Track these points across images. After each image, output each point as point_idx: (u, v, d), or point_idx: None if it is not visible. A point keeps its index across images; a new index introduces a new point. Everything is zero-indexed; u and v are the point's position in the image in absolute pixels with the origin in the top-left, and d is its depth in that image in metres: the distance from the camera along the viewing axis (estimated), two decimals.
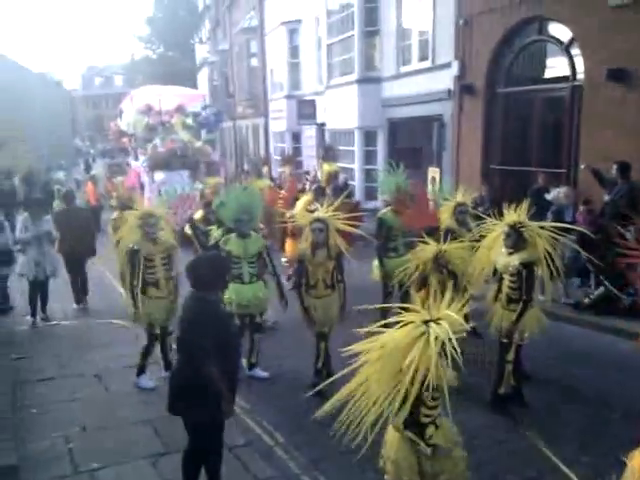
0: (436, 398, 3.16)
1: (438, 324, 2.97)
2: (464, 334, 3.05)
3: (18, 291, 9.11)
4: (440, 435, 3.24)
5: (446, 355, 2.93)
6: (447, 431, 3.29)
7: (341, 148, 16.08)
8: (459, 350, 2.89)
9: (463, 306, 3.15)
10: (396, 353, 2.99)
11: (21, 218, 8.47)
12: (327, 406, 3.17)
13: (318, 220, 5.76)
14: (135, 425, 5.26)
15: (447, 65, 12.04)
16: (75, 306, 9.17)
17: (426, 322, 3.01)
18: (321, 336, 5.94)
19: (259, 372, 6.31)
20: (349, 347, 3.09)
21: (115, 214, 8.95)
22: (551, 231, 5.32)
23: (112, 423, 5.30)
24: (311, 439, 5.10)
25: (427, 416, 3.19)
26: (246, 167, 13.72)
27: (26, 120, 27.57)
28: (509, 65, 10.94)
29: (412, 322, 3.04)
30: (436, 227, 6.88)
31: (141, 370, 6.13)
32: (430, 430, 3.21)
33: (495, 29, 10.80)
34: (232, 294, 5.95)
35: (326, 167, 9.78)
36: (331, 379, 3.48)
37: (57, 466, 4.61)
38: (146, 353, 6.15)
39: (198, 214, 8.06)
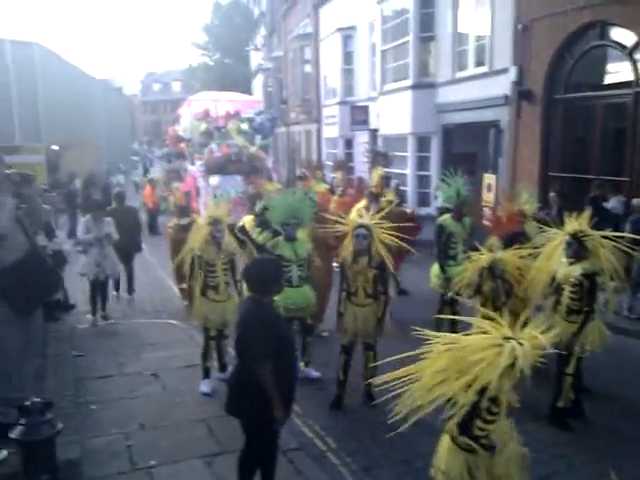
0: (494, 413, 3.06)
1: (520, 344, 2.84)
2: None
3: (79, 290, 9.45)
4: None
5: (514, 374, 2.83)
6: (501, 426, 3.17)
7: (394, 154, 16.03)
8: (529, 373, 2.79)
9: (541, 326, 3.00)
10: (464, 354, 2.92)
11: (83, 220, 8.75)
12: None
13: (362, 226, 5.62)
14: (191, 424, 5.36)
15: (504, 70, 11.83)
16: (114, 293, 9.66)
17: (506, 339, 2.90)
18: (348, 347, 5.80)
19: (312, 372, 6.33)
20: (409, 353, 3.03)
21: (173, 221, 9.19)
22: (615, 241, 5.16)
23: (168, 422, 5.42)
24: (363, 447, 5.09)
25: (481, 430, 3.09)
26: (302, 171, 13.59)
27: (89, 125, 28.62)
28: (569, 71, 10.65)
29: (491, 335, 2.96)
30: (520, 232, 6.75)
31: (205, 374, 6.20)
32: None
33: (555, 34, 10.54)
34: (281, 297, 5.88)
35: (376, 172, 9.57)
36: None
37: (116, 462, 4.74)
38: (205, 355, 6.23)
39: (248, 218, 8.20)
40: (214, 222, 6.11)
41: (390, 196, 9.23)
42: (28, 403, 3.01)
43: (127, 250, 9.59)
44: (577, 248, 5.14)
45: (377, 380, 3.07)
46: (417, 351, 3.05)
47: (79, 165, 21.95)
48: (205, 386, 6.10)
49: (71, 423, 5.17)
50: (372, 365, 5.55)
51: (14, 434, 2.97)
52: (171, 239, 8.92)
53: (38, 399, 3.07)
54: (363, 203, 8.94)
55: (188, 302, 6.22)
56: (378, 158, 9.58)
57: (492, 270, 5.55)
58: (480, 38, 12.91)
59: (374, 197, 8.82)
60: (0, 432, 3.87)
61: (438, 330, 6.75)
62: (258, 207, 8.37)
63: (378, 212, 8.28)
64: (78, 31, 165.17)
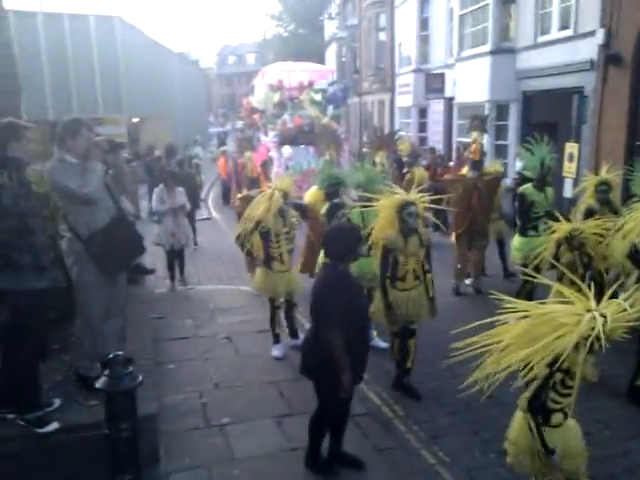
0: (568, 386, 2.99)
1: (602, 316, 2.75)
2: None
3: (157, 257, 9.83)
4: (564, 437, 3.08)
5: (592, 349, 2.75)
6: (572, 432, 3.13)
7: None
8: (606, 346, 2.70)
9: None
10: (542, 322, 2.86)
11: (157, 190, 8.89)
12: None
13: (411, 204, 5.19)
14: (262, 386, 5.53)
15: (591, 34, 11.14)
16: None
17: (589, 311, 2.80)
18: (407, 332, 5.42)
19: (379, 342, 6.35)
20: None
21: (243, 192, 9.33)
22: None
23: (241, 382, 5.62)
24: (431, 416, 5.09)
25: (556, 402, 3.04)
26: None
27: (167, 98, 29.38)
28: None
29: (573, 305, 2.87)
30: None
31: (276, 339, 6.36)
32: (557, 418, 3.07)
33: None
34: (356, 266, 5.81)
35: (474, 137, 8.91)
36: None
37: (191, 418, 4.97)
38: (272, 322, 6.39)
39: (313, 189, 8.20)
40: (283, 195, 6.20)
41: (497, 167, 8.87)
42: (111, 356, 3.19)
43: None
44: None
45: (455, 345, 3.02)
46: (493, 318, 3.01)
47: (157, 137, 22.65)
48: (277, 350, 6.27)
49: (149, 380, 5.42)
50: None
51: (98, 384, 3.17)
52: (239, 211, 8.98)
53: (120, 353, 3.25)
54: (464, 171, 8.69)
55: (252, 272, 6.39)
56: (476, 123, 8.90)
57: (570, 241, 5.32)
58: (565, 0, 12.20)
59: (474, 165, 8.34)
60: (86, 385, 4.17)
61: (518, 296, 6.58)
62: (321, 178, 8.39)
63: (479, 179, 8.16)
64: (157, 5, 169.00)
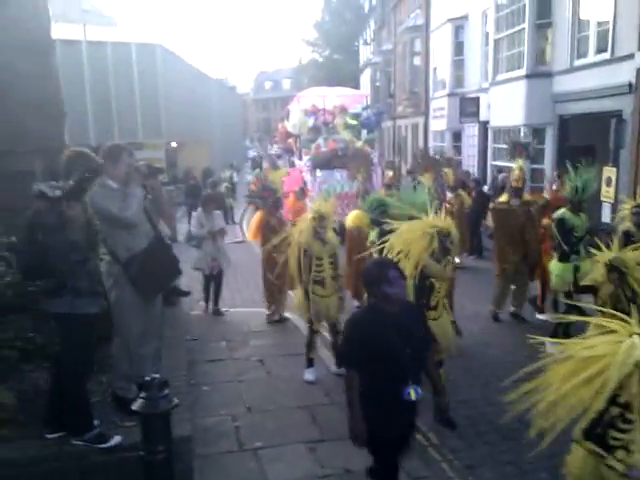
0: (629, 421, 2.68)
1: None
2: None
3: (193, 279, 9.96)
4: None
5: None
6: None
7: (504, 147, 15.45)
8: None
9: None
10: (588, 360, 2.67)
11: (195, 214, 8.83)
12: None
13: (450, 230, 5.09)
14: (294, 410, 5.52)
15: (629, 57, 11.00)
16: None
17: (631, 336, 2.63)
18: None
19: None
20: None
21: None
22: None
23: (273, 406, 5.61)
24: (466, 444, 5.00)
25: (616, 439, 2.72)
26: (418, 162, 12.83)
27: (204, 122, 30.00)
28: None
29: (615, 332, 2.70)
30: None
31: (309, 363, 6.29)
32: (619, 454, 2.71)
33: None
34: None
35: (517, 164, 8.76)
36: None
37: (225, 441, 4.97)
38: (309, 346, 6.31)
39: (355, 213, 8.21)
40: (319, 218, 6.12)
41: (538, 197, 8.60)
42: (148, 379, 3.24)
43: None
44: None
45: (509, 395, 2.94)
46: (538, 364, 2.86)
47: (195, 161, 23.11)
48: (309, 374, 6.23)
49: (184, 402, 5.48)
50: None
51: (135, 406, 3.21)
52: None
53: (156, 375, 3.29)
54: (503, 197, 8.54)
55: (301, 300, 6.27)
56: (518, 149, 8.80)
57: (610, 272, 5.09)
58: (602, 23, 12.09)
59: (516, 192, 8.20)
60: (123, 406, 4.23)
61: (556, 333, 6.42)
62: (368, 203, 8.40)
63: (522, 206, 8.03)
64: (198, 33, 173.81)
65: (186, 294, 9.22)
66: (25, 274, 4.10)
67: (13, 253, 5.01)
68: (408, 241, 5.07)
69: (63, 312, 3.84)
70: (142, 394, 3.20)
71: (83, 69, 20.03)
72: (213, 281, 8.82)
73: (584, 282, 5.41)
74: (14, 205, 5.40)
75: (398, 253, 5.02)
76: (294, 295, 6.71)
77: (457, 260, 8.89)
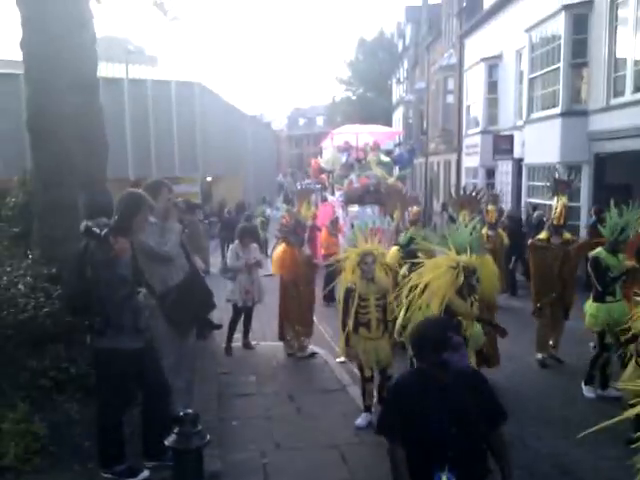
0: None
1: None
2: None
3: (225, 312, 10.01)
4: None
5: None
6: None
7: (539, 184, 15.33)
8: None
9: None
10: None
11: (232, 247, 8.86)
12: None
13: (475, 268, 4.97)
14: (323, 448, 5.42)
15: None
16: None
17: None
18: None
19: None
20: None
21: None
22: None
23: (302, 443, 5.53)
24: None
25: None
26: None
27: (239, 157, 30.59)
28: None
29: None
30: None
31: (366, 409, 5.99)
32: None
33: None
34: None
35: (561, 201, 8.63)
36: None
37: (253, 478, 4.90)
38: (364, 394, 6.07)
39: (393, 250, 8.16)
40: (362, 254, 5.88)
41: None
42: (182, 414, 3.24)
43: None
44: None
45: None
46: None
47: (229, 195, 23.49)
48: (362, 419, 5.92)
49: (214, 437, 5.47)
50: None
51: (168, 442, 3.21)
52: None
53: (190, 411, 3.30)
54: (543, 235, 8.39)
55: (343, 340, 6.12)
56: (560, 186, 8.70)
57: None
58: (639, 62, 12.05)
59: (556, 229, 8.04)
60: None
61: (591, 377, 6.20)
62: (403, 239, 8.37)
63: (562, 245, 7.92)
64: (235, 71, 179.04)
65: (218, 327, 9.20)
66: (72, 310, 4.19)
67: (53, 284, 5.15)
68: (433, 276, 4.90)
69: (107, 347, 3.90)
70: (175, 429, 3.20)
71: (124, 106, 20.72)
72: (244, 314, 8.76)
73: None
74: (56, 236, 5.59)
75: (424, 288, 4.85)
76: (340, 337, 6.35)
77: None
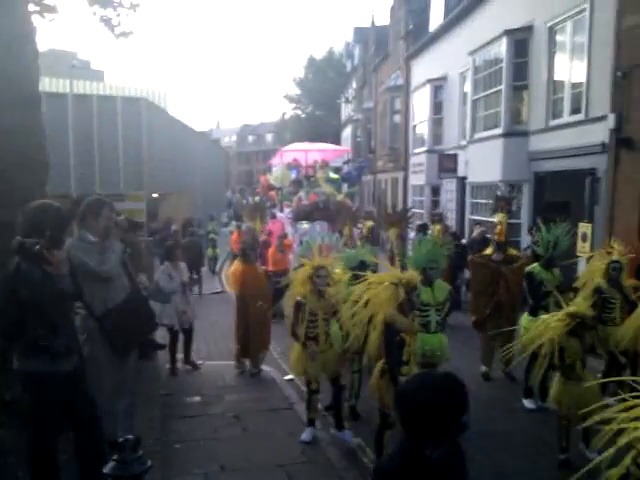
0: None
1: None
2: None
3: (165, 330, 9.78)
4: None
5: None
6: None
7: (482, 201, 15.76)
8: None
9: None
10: None
11: (162, 268, 8.23)
12: None
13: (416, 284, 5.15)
14: (270, 469, 5.35)
15: (602, 118, 11.42)
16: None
17: None
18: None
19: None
20: None
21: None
22: None
23: (248, 464, 5.44)
24: None
25: None
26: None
27: (187, 174, 30.20)
28: None
29: None
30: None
31: (309, 422, 6.02)
32: None
33: None
34: (417, 344, 5.34)
35: (500, 218, 8.82)
36: None
37: None
38: (308, 406, 6.07)
39: None
40: (316, 268, 5.93)
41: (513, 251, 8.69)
42: (121, 440, 3.11)
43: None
44: None
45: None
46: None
47: (176, 212, 23.11)
48: (306, 434, 5.92)
49: (156, 462, 5.31)
50: None
51: (106, 469, 3.07)
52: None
53: (130, 436, 3.17)
54: (488, 250, 8.58)
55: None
56: (501, 204, 8.92)
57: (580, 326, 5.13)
58: (576, 86, 12.59)
59: (499, 246, 8.29)
60: None
61: (529, 390, 6.34)
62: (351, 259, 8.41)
63: (504, 261, 8.09)
64: (183, 87, 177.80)
65: (162, 347, 9.01)
66: (5, 336, 3.97)
67: None
68: (375, 292, 5.01)
69: (34, 370, 3.73)
70: (114, 456, 3.07)
71: (68, 121, 20.20)
72: (184, 336, 8.42)
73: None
74: None
75: (365, 303, 4.97)
76: (290, 352, 6.35)
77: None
